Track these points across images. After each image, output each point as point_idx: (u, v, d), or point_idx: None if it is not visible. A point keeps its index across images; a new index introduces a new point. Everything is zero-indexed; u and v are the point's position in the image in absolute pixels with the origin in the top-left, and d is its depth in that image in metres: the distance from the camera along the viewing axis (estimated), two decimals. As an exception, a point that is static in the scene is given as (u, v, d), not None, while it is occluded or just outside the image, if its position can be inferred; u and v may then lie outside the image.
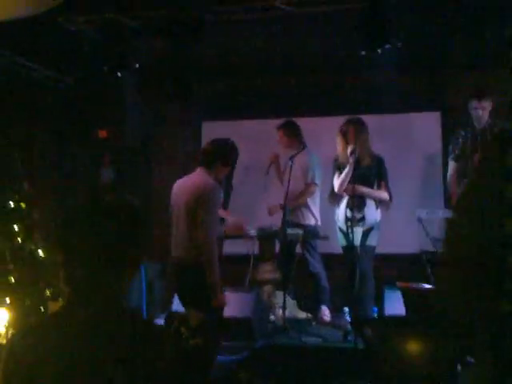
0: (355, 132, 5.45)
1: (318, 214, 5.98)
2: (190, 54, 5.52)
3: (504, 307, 3.28)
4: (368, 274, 5.43)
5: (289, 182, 5.48)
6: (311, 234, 5.89)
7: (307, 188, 5.91)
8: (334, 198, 5.69)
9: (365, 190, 5.46)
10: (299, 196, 5.89)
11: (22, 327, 4.15)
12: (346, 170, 5.44)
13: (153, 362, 1.51)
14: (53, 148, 6.50)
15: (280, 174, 6.09)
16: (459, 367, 3.64)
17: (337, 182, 5.57)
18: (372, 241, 5.49)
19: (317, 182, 5.91)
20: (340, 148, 5.56)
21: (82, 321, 1.53)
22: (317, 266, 5.91)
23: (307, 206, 5.95)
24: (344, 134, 5.50)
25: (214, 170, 4.19)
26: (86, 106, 6.73)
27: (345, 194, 5.54)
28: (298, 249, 5.99)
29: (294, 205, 5.83)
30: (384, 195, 5.52)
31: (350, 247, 5.38)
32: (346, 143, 5.47)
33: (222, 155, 4.22)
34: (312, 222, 5.94)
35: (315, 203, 5.99)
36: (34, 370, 1.48)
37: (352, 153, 5.34)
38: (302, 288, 6.11)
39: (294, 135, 6.03)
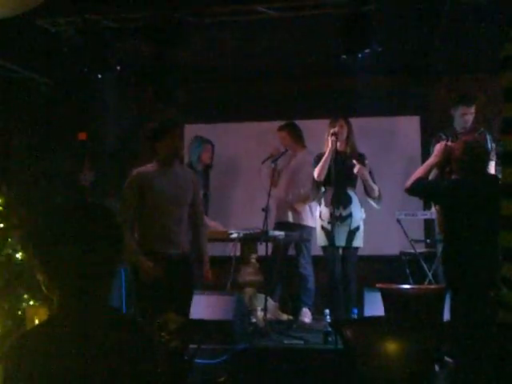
0: (346, 126, 5.48)
1: (316, 216, 5.98)
2: (172, 57, 5.51)
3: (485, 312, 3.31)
4: (352, 276, 5.44)
5: (270, 185, 5.48)
6: (307, 236, 5.89)
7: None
8: (317, 192, 5.60)
9: (366, 173, 5.40)
10: (306, 196, 5.89)
11: (6, 336, 4.13)
12: (326, 153, 5.39)
13: (138, 361, 1.52)
14: (32, 151, 6.45)
15: (273, 172, 6.11)
16: (437, 367, 3.68)
17: (317, 169, 5.47)
18: (357, 242, 5.45)
19: None
20: (326, 135, 5.48)
21: (73, 329, 1.53)
22: (307, 269, 5.92)
23: (307, 207, 5.98)
24: (334, 125, 5.43)
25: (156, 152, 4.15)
26: (66, 108, 6.68)
27: (322, 179, 5.45)
28: (291, 250, 6.04)
29: (297, 202, 5.88)
30: (375, 187, 5.46)
31: (331, 247, 5.31)
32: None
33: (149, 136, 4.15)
34: (310, 223, 5.95)
35: (315, 205, 6.00)
36: (28, 379, 1.47)
37: (334, 134, 5.30)
38: (284, 290, 6.13)
39: (297, 137, 6.07)
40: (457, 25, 5.36)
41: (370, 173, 5.49)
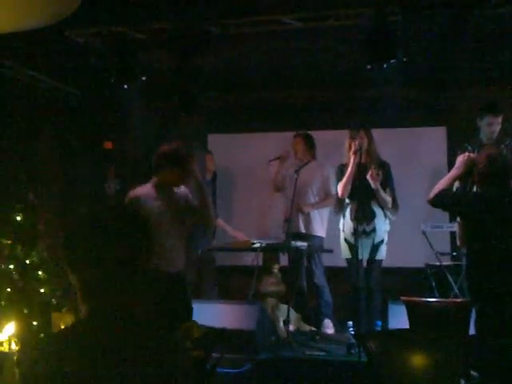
0: (366, 134, 5.43)
1: (326, 227, 5.99)
2: (197, 67, 5.55)
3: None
4: (376, 289, 5.39)
5: (294, 193, 5.50)
6: (318, 246, 5.88)
7: (328, 198, 5.92)
8: (340, 207, 5.57)
9: (373, 185, 5.31)
10: (320, 203, 5.90)
11: (32, 339, 4.17)
12: (349, 170, 5.36)
13: (170, 375, 1.52)
14: (58, 160, 6.53)
15: (277, 177, 6.12)
16: (463, 382, 3.62)
17: (340, 186, 5.45)
18: (380, 255, 5.42)
19: (334, 193, 5.81)
20: (346, 146, 5.48)
21: (98, 333, 1.53)
22: (321, 279, 5.90)
23: (318, 217, 5.96)
24: (353, 137, 5.42)
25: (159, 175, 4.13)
26: (92, 118, 6.75)
27: (346, 197, 5.43)
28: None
29: (314, 209, 5.90)
30: (388, 198, 5.40)
31: (355, 260, 5.25)
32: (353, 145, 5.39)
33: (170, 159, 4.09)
34: (322, 233, 5.95)
35: (326, 215, 6.00)
36: (44, 381, 1.48)
37: (355, 152, 5.28)
38: (306, 301, 6.10)
39: (310, 147, 6.08)
40: (483, 34, 5.32)
41: (387, 181, 5.42)
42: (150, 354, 1.53)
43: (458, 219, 4.54)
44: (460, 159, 4.13)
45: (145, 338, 1.57)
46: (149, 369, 1.51)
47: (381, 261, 5.45)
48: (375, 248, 5.38)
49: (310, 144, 6.11)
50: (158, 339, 1.60)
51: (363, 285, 5.35)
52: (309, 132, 6.21)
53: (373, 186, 5.31)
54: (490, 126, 5.41)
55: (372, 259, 5.39)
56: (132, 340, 1.55)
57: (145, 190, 4.12)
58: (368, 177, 5.31)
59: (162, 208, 4.05)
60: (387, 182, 5.44)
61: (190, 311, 4.19)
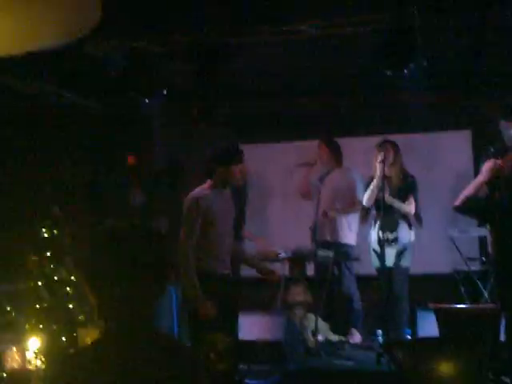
0: (393, 150, 5.54)
1: (355, 234, 5.93)
2: (215, 77, 5.55)
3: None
4: (402, 296, 5.37)
5: (318, 201, 5.48)
6: (346, 254, 5.84)
7: (355, 204, 5.89)
8: (365, 216, 5.69)
9: (391, 200, 5.49)
10: (346, 208, 5.88)
11: (59, 355, 4.20)
12: (374, 181, 5.46)
13: None
14: (82, 174, 6.59)
15: (305, 185, 6.09)
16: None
17: (366, 195, 5.61)
18: (405, 261, 5.48)
19: (361, 199, 5.83)
20: (374, 158, 5.54)
21: (119, 349, 1.54)
22: (351, 288, 5.84)
23: (346, 224, 5.92)
24: (381, 151, 5.47)
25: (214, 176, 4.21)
26: (114, 131, 6.80)
27: (371, 206, 5.55)
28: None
29: (339, 214, 5.87)
30: (410, 207, 5.53)
31: (383, 268, 5.32)
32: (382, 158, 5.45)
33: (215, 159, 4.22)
34: (350, 241, 5.92)
35: (354, 222, 5.95)
36: None
37: (382, 161, 5.33)
38: (334, 310, 6.04)
39: (335, 153, 6.04)
40: (507, 36, 5.24)
41: (412, 193, 5.57)
42: (171, 368, 1.52)
43: (488, 226, 4.50)
44: (486, 166, 4.09)
45: (165, 351, 1.56)
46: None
47: (406, 268, 5.47)
48: (398, 255, 5.48)
49: (334, 150, 6.07)
50: (179, 352, 1.59)
51: (389, 293, 5.34)
52: (334, 139, 6.18)
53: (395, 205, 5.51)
54: (509, 131, 5.33)
55: (396, 266, 5.44)
56: (151, 355, 1.54)
57: (203, 190, 4.20)
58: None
59: (219, 208, 4.12)
60: (412, 195, 5.57)
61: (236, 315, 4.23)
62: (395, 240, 5.47)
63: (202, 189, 4.19)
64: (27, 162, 5.61)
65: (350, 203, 5.95)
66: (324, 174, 5.70)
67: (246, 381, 4.34)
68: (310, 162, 6.00)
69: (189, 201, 4.12)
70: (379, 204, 5.40)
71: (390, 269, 5.36)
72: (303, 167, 6.08)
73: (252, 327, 4.82)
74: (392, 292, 5.35)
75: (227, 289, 4.07)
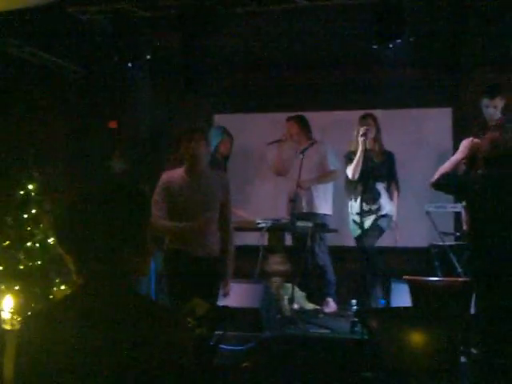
0: (374, 122, 5.63)
1: (330, 204, 6.00)
2: (202, 46, 5.52)
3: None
4: (373, 250, 5.53)
5: (299, 175, 5.51)
6: (322, 225, 5.90)
7: (330, 173, 5.96)
8: (350, 189, 5.75)
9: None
10: (316, 178, 5.93)
11: (32, 312, 4.20)
12: (358, 154, 5.52)
13: (166, 348, 1.51)
14: (63, 137, 6.54)
15: (278, 162, 6.12)
16: (463, 359, 3.65)
17: (350, 169, 5.64)
18: (382, 223, 5.63)
19: (332, 168, 5.94)
20: (355, 132, 5.60)
21: (93, 305, 1.53)
22: (324, 259, 5.93)
23: (322, 195, 5.98)
24: (363, 124, 5.55)
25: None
26: (97, 97, 6.74)
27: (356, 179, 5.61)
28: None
29: (312, 183, 5.91)
30: (395, 194, 5.74)
31: (362, 238, 5.43)
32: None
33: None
34: (326, 211, 5.98)
35: (329, 193, 6.01)
36: (45, 353, 1.49)
37: (363, 135, 5.41)
38: (309, 280, 6.13)
39: (304, 128, 6.05)
40: (493, 14, 5.27)
41: (391, 170, 5.72)
42: (149, 328, 1.52)
43: (464, 203, 4.57)
44: (463, 143, 4.13)
45: (144, 311, 1.57)
46: (148, 341, 1.50)
47: (380, 228, 5.64)
48: (376, 219, 5.62)
49: (304, 126, 6.08)
50: (158, 313, 1.60)
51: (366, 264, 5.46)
52: (302, 113, 6.18)
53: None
54: (487, 109, 5.39)
55: (373, 227, 5.59)
56: (130, 312, 1.54)
57: (176, 172, 4.19)
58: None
59: (191, 191, 4.10)
60: (393, 174, 5.72)
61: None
62: (377, 210, 5.61)
63: (176, 170, 4.18)
64: (6, 124, 5.55)
65: (321, 173, 6.00)
66: (305, 148, 5.71)
67: (222, 346, 4.39)
68: (281, 139, 6.03)
69: (159, 180, 4.14)
70: (360, 176, 5.52)
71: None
72: (274, 144, 6.11)
73: (230, 294, 4.86)
74: (368, 261, 5.46)
75: (201, 269, 4.07)
